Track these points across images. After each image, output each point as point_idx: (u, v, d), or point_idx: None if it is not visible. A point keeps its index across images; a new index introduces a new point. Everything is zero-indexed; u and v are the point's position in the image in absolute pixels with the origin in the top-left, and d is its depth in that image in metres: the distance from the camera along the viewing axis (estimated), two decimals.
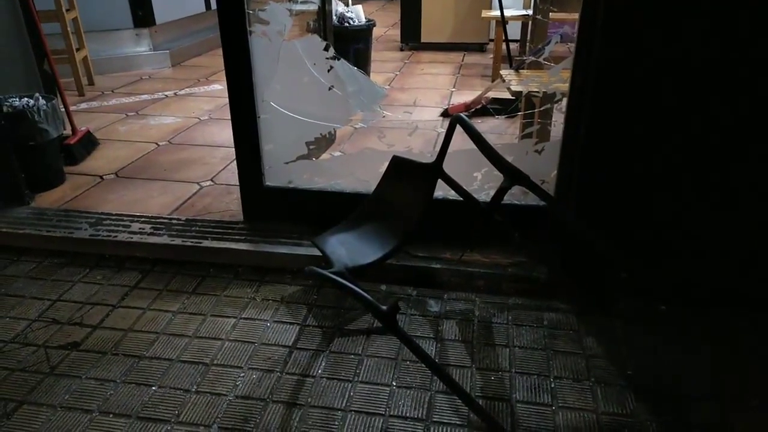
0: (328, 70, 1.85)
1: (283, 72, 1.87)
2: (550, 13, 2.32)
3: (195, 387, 1.39)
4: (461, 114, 1.50)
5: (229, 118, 1.90)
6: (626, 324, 1.60)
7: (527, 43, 4.21)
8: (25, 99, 2.26)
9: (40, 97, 2.29)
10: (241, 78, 1.81)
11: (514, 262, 1.77)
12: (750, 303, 1.64)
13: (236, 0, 1.70)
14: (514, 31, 4.44)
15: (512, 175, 1.42)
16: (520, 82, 1.94)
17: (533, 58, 1.71)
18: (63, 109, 2.60)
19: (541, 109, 1.79)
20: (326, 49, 1.84)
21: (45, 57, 2.60)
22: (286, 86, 1.89)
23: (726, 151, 1.52)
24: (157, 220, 2.06)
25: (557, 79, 1.69)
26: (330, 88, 1.87)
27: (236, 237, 1.95)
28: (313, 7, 2.63)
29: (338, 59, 1.84)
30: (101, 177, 2.48)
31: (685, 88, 1.48)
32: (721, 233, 1.60)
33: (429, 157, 1.72)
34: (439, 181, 1.69)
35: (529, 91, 1.82)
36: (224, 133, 3.00)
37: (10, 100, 2.22)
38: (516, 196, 1.83)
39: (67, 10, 3.59)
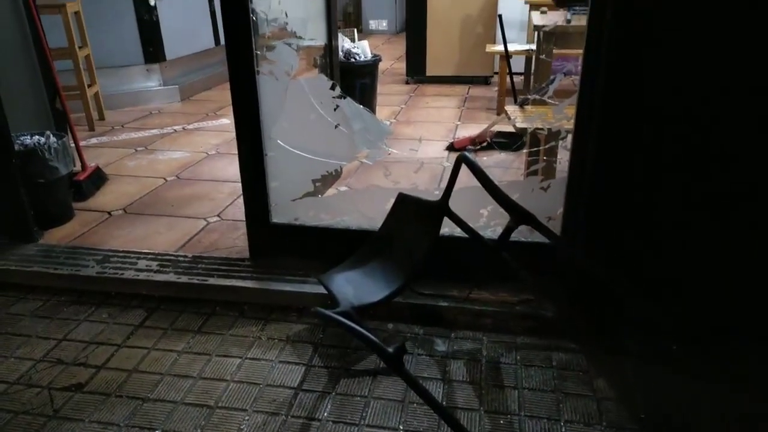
0: (335, 109, 1.88)
1: (289, 110, 1.89)
2: (554, 50, 2.36)
3: (199, 431, 1.37)
4: (466, 153, 1.50)
5: (236, 152, 1.92)
6: (638, 363, 1.57)
7: (531, 76, 4.27)
8: (37, 137, 2.29)
9: (51, 135, 2.33)
10: (249, 117, 1.84)
11: (522, 300, 1.76)
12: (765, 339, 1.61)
13: (245, 41, 1.73)
14: (518, 64, 4.50)
15: (518, 215, 1.42)
16: (525, 119, 1.95)
17: (538, 96, 1.73)
18: (73, 145, 2.64)
19: (547, 146, 1.80)
20: (332, 88, 1.86)
21: (57, 95, 2.65)
22: (293, 124, 1.92)
23: (737, 187, 1.51)
24: (164, 257, 2.07)
25: (562, 117, 1.70)
26: (336, 126, 1.89)
27: (242, 274, 1.95)
28: (320, 43, 2.68)
29: (344, 98, 1.86)
30: (109, 213, 2.50)
31: (691, 125, 1.49)
32: (733, 268, 1.58)
33: (435, 194, 1.72)
34: (446, 218, 1.69)
35: (535, 128, 1.83)
36: (231, 168, 3.02)
37: (21, 138, 2.25)
38: (523, 233, 1.81)
39: (80, 48, 3.67)
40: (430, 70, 5.08)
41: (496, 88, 4.31)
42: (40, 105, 2.62)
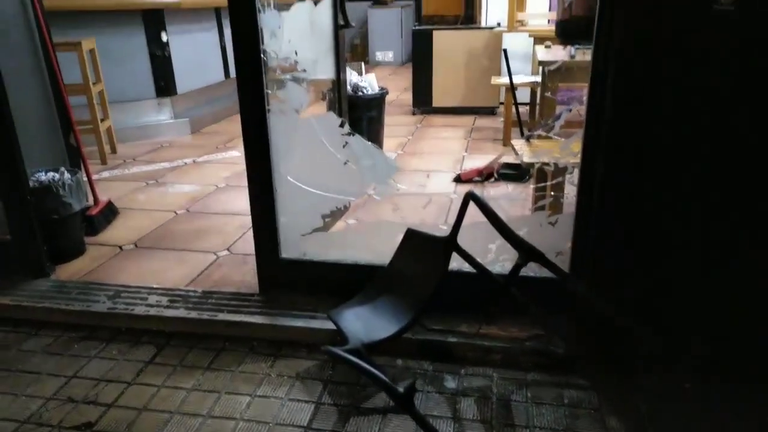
0: (344, 146, 1.91)
1: (299, 147, 1.93)
2: (559, 84, 2.39)
3: None
4: (474, 191, 1.52)
5: (246, 185, 1.94)
6: (650, 400, 1.55)
7: (537, 107, 4.31)
8: (51, 173, 2.34)
9: (66, 171, 2.37)
10: (259, 154, 1.87)
11: (532, 336, 1.75)
12: None
13: (256, 82, 1.78)
14: (524, 94, 4.55)
15: (527, 252, 1.43)
16: (532, 154, 1.98)
17: (544, 133, 1.76)
18: (86, 179, 2.69)
19: (554, 182, 1.82)
20: (341, 125, 1.89)
21: (71, 130, 2.70)
22: (303, 160, 1.95)
23: (746, 221, 1.52)
24: (174, 293, 2.08)
25: (568, 153, 1.72)
26: (345, 163, 1.92)
27: (252, 309, 1.95)
28: (329, 77, 2.73)
29: (353, 135, 1.89)
30: (120, 248, 2.52)
31: (697, 160, 1.50)
32: (745, 302, 1.57)
33: (442, 227, 1.74)
34: (454, 253, 1.70)
35: (541, 164, 1.85)
36: (241, 201, 3.05)
37: (36, 175, 2.30)
38: (532, 268, 1.81)
39: (94, 83, 3.75)
40: (437, 102, 5.14)
41: (502, 119, 4.36)
42: (55, 141, 2.67)
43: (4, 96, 2.00)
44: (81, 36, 3.69)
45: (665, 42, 1.43)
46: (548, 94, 1.93)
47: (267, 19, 1.76)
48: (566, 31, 1.65)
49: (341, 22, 2.56)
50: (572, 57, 2.29)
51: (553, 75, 1.89)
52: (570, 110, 1.65)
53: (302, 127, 1.90)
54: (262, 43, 1.77)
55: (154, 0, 4.25)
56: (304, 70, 1.97)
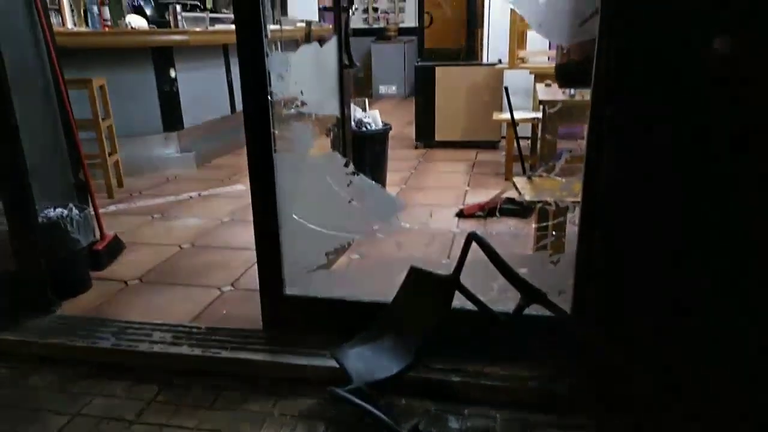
0: (348, 185, 1.94)
1: (304, 186, 1.96)
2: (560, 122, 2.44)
3: None
4: (477, 232, 1.55)
5: (250, 219, 1.97)
6: None
7: (538, 141, 4.37)
8: (60, 209, 2.37)
9: (74, 208, 2.41)
10: (265, 192, 1.90)
11: (535, 376, 1.75)
12: None
13: (263, 123, 1.82)
14: (525, 128, 4.61)
15: (529, 294, 1.45)
16: (534, 193, 2.01)
17: (545, 175, 1.79)
18: (93, 213, 2.72)
19: (555, 221, 1.84)
20: (346, 165, 1.93)
21: (81, 167, 2.75)
22: (308, 199, 1.98)
23: (755, 266, 1.53)
24: (178, 329, 2.09)
25: (569, 194, 1.75)
26: (350, 201, 1.95)
27: (255, 347, 1.96)
28: (334, 114, 2.79)
29: (357, 174, 1.93)
30: (126, 282, 2.54)
31: (702, 200, 1.53)
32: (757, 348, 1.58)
33: (444, 262, 1.76)
34: (457, 292, 1.71)
35: (543, 204, 1.88)
36: (245, 235, 3.08)
37: (45, 211, 2.33)
38: (535, 307, 1.83)
39: (103, 119, 3.83)
40: (439, 135, 5.21)
41: (504, 153, 4.41)
42: (64, 176, 2.71)
43: (17, 134, 2.05)
44: (93, 73, 3.78)
45: (661, 85, 1.47)
46: (549, 136, 1.97)
47: (274, 62, 1.81)
48: (565, 76, 1.70)
49: (346, 62, 2.63)
50: (572, 96, 2.34)
51: (553, 117, 1.94)
52: (570, 152, 1.68)
53: (307, 166, 1.94)
54: (270, 86, 1.82)
55: (164, 38, 4.36)
56: (310, 109, 2.03)
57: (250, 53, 1.74)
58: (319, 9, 2.39)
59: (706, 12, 1.39)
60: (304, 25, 3.18)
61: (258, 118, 1.81)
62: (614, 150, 1.55)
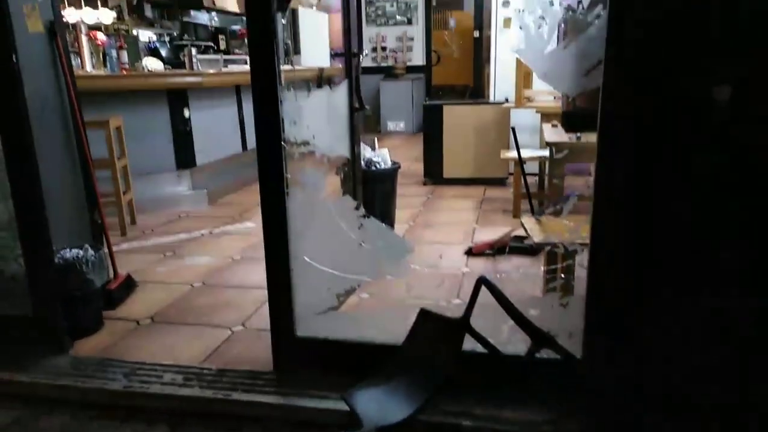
0: (359, 227, 1.97)
1: (316, 228, 2.00)
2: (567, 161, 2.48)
3: None
4: (486, 276, 1.57)
5: (261, 257, 1.99)
6: None
7: (545, 179, 4.41)
8: (75, 250, 2.42)
9: (89, 248, 2.45)
10: (278, 235, 1.94)
11: (547, 420, 1.74)
12: None
13: (276, 167, 1.87)
14: (533, 164, 4.66)
15: (538, 339, 1.45)
16: (543, 234, 2.03)
17: (552, 217, 1.81)
18: (107, 252, 2.77)
19: (564, 264, 1.86)
20: (357, 208, 1.97)
21: (96, 207, 2.81)
22: (319, 241, 2.01)
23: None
24: (189, 370, 2.10)
25: (577, 237, 1.77)
26: (360, 244, 1.98)
27: (266, 389, 1.96)
28: (344, 155, 2.84)
29: (368, 217, 1.96)
30: (138, 322, 2.57)
31: (708, 244, 1.54)
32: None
33: (455, 305, 1.77)
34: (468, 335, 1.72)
35: (551, 247, 1.90)
36: (256, 274, 3.11)
37: (62, 252, 2.38)
38: (545, 350, 1.83)
39: (118, 158, 3.91)
40: (447, 173, 5.27)
41: (512, 190, 4.44)
42: (81, 216, 2.78)
43: (38, 176, 2.11)
44: (110, 114, 3.89)
45: (665, 132, 1.51)
46: (556, 180, 2.00)
47: (288, 109, 1.87)
48: (571, 122, 1.75)
49: (357, 106, 2.70)
50: (578, 138, 2.38)
51: (559, 162, 1.98)
52: (577, 197, 1.71)
53: (319, 208, 1.98)
54: (283, 132, 1.87)
55: (180, 80, 4.48)
56: (322, 151, 2.08)
57: (265, 102, 1.80)
58: (331, 54, 2.46)
59: (707, 63, 1.43)
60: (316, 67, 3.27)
61: (271, 163, 1.86)
62: (622, 196, 1.57)
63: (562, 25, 1.60)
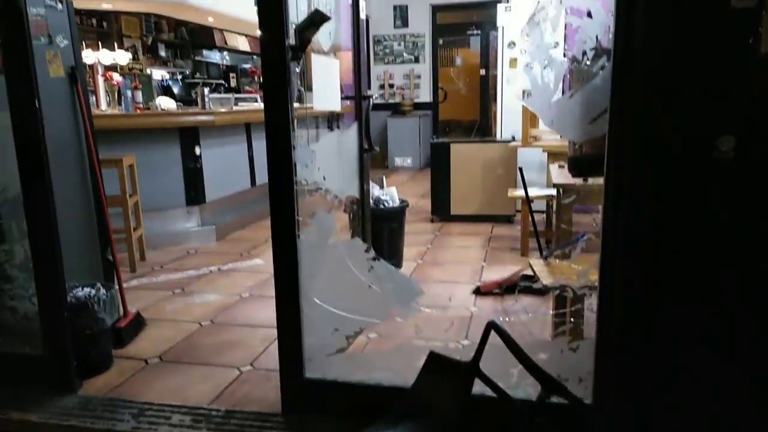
0: (369, 270, 1.99)
1: (326, 270, 2.02)
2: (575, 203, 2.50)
3: None
4: (496, 321, 1.57)
5: (269, 295, 2.01)
6: None
7: (552, 217, 4.42)
8: (87, 289, 2.44)
9: (101, 287, 2.48)
10: (288, 277, 1.96)
11: None
12: None
13: (288, 210, 1.90)
14: (540, 202, 4.68)
15: (548, 385, 1.45)
16: (551, 277, 2.04)
17: (559, 261, 1.83)
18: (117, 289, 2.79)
19: (573, 308, 1.86)
20: (367, 250, 1.99)
21: (109, 245, 2.85)
22: (329, 283, 2.03)
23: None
24: (197, 412, 2.09)
25: (586, 282, 1.78)
26: (369, 287, 1.99)
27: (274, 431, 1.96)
28: (353, 195, 2.89)
29: (378, 259, 1.98)
30: (146, 361, 2.57)
31: (714, 291, 1.55)
32: None
33: (465, 346, 1.77)
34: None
35: (560, 290, 1.91)
36: (264, 312, 3.12)
37: (74, 291, 2.40)
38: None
39: (130, 196, 3.98)
40: (455, 209, 5.30)
41: (519, 227, 4.46)
42: (93, 254, 2.81)
43: (54, 218, 2.15)
44: (123, 151, 3.97)
45: (671, 178, 1.53)
46: (563, 225, 2.03)
47: (300, 154, 1.92)
48: (578, 168, 1.78)
49: (366, 147, 2.75)
50: (585, 181, 2.41)
51: (567, 206, 2.01)
52: (585, 241, 1.72)
53: (329, 251, 2.00)
54: (295, 175, 1.91)
55: (192, 119, 4.58)
56: (333, 193, 2.12)
57: (279, 148, 1.85)
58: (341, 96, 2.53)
59: (710, 113, 1.47)
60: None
61: (284, 206, 1.90)
62: (629, 243, 1.59)
63: (568, 75, 1.64)
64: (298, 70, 1.86)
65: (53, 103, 2.46)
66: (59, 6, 2.50)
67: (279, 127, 1.83)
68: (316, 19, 1.79)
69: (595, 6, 1.55)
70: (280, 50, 1.77)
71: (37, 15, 2.29)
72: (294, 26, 1.80)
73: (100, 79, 4.47)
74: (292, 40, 1.82)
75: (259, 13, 1.77)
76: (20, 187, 2.10)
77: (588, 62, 1.59)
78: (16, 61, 1.99)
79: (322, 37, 2.06)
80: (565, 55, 1.62)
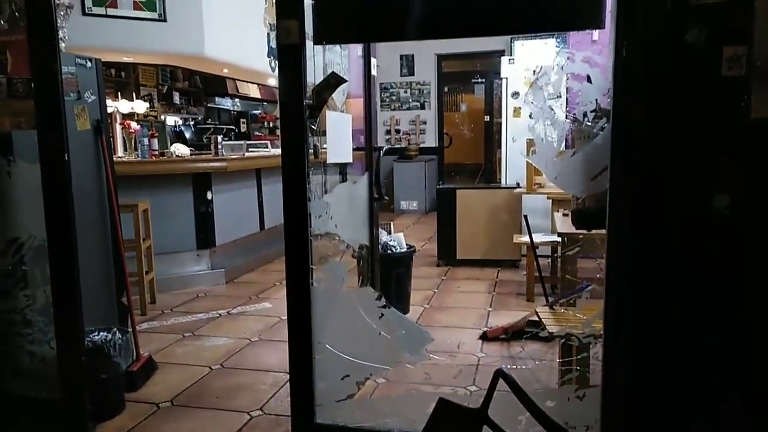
0: (380, 317, 2.06)
1: (338, 317, 2.08)
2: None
3: None
4: (504, 369, 1.63)
5: (277, 339, 2.06)
6: None
7: (558, 262, 4.48)
8: (103, 333, 2.50)
9: (117, 331, 2.54)
10: (301, 324, 2.02)
11: None
12: None
13: (303, 260, 1.98)
14: (546, 247, 4.74)
15: None
16: (557, 325, 2.09)
17: (565, 309, 1.89)
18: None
19: (578, 357, 1.91)
20: (378, 298, 2.06)
21: (124, 289, 2.92)
22: (340, 329, 2.09)
23: None
24: None
25: (591, 331, 1.84)
26: (380, 333, 2.05)
27: None
28: (364, 242, 2.97)
29: (388, 308, 2.05)
30: (158, 405, 2.60)
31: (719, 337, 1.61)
32: None
33: (473, 393, 1.80)
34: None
35: (565, 338, 1.96)
36: (273, 357, 3.15)
37: (91, 335, 2.46)
38: None
39: (143, 240, 4.07)
40: (461, 254, 5.36)
41: (524, 272, 4.51)
42: (109, 298, 2.88)
43: (77, 265, 2.23)
44: (137, 196, 4.09)
45: (671, 231, 1.61)
46: (568, 276, 2.09)
47: (315, 206, 2.01)
48: (581, 221, 1.86)
49: (376, 195, 2.85)
50: (589, 231, 2.49)
51: (571, 258, 2.07)
52: (589, 289, 1.79)
53: (341, 298, 2.07)
54: (310, 226, 2.00)
55: (206, 165, 4.71)
56: (344, 241, 2.20)
57: (295, 201, 1.94)
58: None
59: (704, 173, 1.56)
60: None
61: (298, 256, 1.98)
62: (633, 294, 1.66)
63: (570, 135, 1.75)
64: (314, 126, 1.97)
65: (79, 155, 2.58)
66: (88, 64, 2.65)
67: (295, 181, 1.93)
68: (333, 81, 1.91)
69: (594, 72, 1.66)
70: (299, 109, 1.88)
71: (68, 73, 2.43)
72: (312, 87, 1.92)
73: (119, 128, 4.63)
74: (309, 100, 1.94)
75: (280, 75, 1.89)
76: (45, 235, 2.19)
77: (588, 122, 1.69)
78: (49, 117, 2.11)
79: (336, 95, 2.18)
80: (567, 117, 1.73)
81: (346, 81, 1.96)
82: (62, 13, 2.25)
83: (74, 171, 2.25)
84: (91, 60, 2.67)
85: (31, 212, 2.25)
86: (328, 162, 2.20)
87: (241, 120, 8.67)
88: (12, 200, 2.35)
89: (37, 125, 2.13)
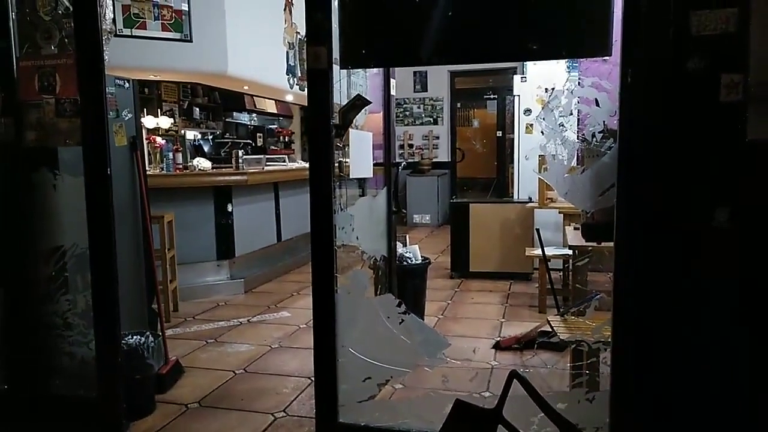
0: (400, 323, 2.18)
1: (361, 322, 2.21)
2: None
3: None
4: (518, 371, 1.74)
5: (297, 346, 2.19)
6: None
7: (569, 274, 4.57)
8: (137, 336, 2.65)
9: (150, 335, 2.68)
10: (326, 329, 2.15)
11: None
12: None
13: (328, 269, 2.12)
14: (557, 260, 4.84)
15: None
16: (569, 333, 2.21)
17: (574, 319, 2.00)
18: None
19: (588, 362, 2.02)
20: (399, 305, 2.19)
21: (155, 295, 3.07)
22: (363, 334, 2.22)
23: None
24: None
25: (600, 337, 1.95)
26: (401, 338, 2.18)
27: None
28: (382, 253, 3.10)
29: (409, 314, 2.18)
30: (186, 406, 2.74)
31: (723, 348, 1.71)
32: None
33: (487, 398, 1.91)
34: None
35: (576, 345, 2.08)
36: (294, 362, 3.28)
37: (126, 338, 2.61)
38: None
39: (168, 250, 4.24)
40: (474, 266, 5.47)
41: (537, 285, 4.61)
42: (141, 304, 3.04)
43: (116, 272, 2.39)
44: (162, 208, 4.26)
45: (676, 243, 1.73)
46: (579, 286, 2.21)
47: (340, 218, 2.15)
48: (590, 234, 1.98)
49: (394, 209, 3.00)
50: (598, 244, 2.61)
51: (581, 268, 2.19)
52: (598, 298, 1.91)
53: (364, 305, 2.20)
54: (335, 237, 2.14)
55: (227, 179, 4.89)
56: (365, 252, 2.34)
57: (321, 215, 2.09)
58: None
59: (706, 189, 1.68)
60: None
61: (324, 266, 2.12)
62: (640, 303, 1.77)
63: (579, 153, 1.88)
64: (340, 144, 2.12)
65: (117, 169, 2.74)
66: (126, 84, 2.83)
67: (322, 195, 2.07)
68: (359, 102, 2.06)
69: (602, 96, 1.80)
70: (326, 128, 2.04)
71: (109, 93, 2.61)
72: (338, 108, 2.07)
73: (144, 142, 4.82)
74: (335, 119, 2.10)
75: (309, 96, 2.05)
76: (87, 244, 2.35)
77: (597, 142, 1.82)
78: (94, 134, 2.28)
79: (359, 115, 2.33)
80: (577, 137, 1.86)
81: (370, 103, 2.11)
82: (104, 38, 2.42)
83: (115, 184, 2.41)
84: (128, 81, 2.85)
85: (74, 222, 2.41)
86: (350, 177, 2.34)
87: (258, 134, 8.87)
88: (56, 211, 2.52)
89: (83, 142, 2.30)
